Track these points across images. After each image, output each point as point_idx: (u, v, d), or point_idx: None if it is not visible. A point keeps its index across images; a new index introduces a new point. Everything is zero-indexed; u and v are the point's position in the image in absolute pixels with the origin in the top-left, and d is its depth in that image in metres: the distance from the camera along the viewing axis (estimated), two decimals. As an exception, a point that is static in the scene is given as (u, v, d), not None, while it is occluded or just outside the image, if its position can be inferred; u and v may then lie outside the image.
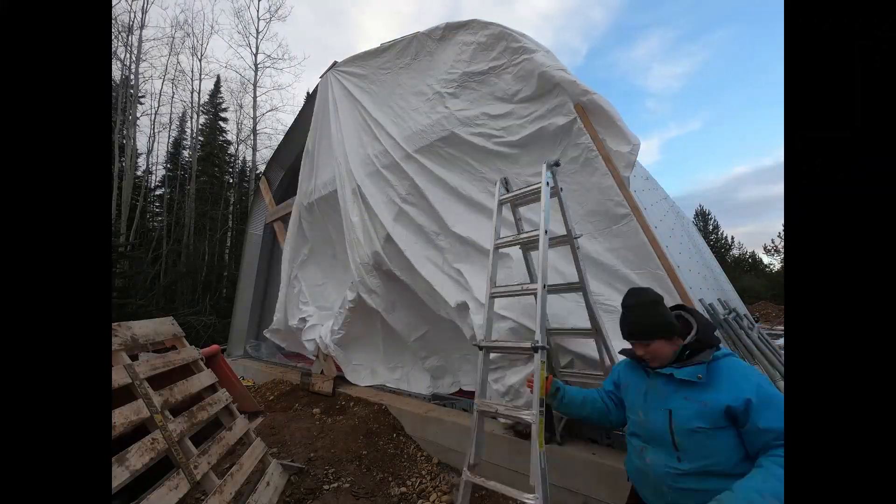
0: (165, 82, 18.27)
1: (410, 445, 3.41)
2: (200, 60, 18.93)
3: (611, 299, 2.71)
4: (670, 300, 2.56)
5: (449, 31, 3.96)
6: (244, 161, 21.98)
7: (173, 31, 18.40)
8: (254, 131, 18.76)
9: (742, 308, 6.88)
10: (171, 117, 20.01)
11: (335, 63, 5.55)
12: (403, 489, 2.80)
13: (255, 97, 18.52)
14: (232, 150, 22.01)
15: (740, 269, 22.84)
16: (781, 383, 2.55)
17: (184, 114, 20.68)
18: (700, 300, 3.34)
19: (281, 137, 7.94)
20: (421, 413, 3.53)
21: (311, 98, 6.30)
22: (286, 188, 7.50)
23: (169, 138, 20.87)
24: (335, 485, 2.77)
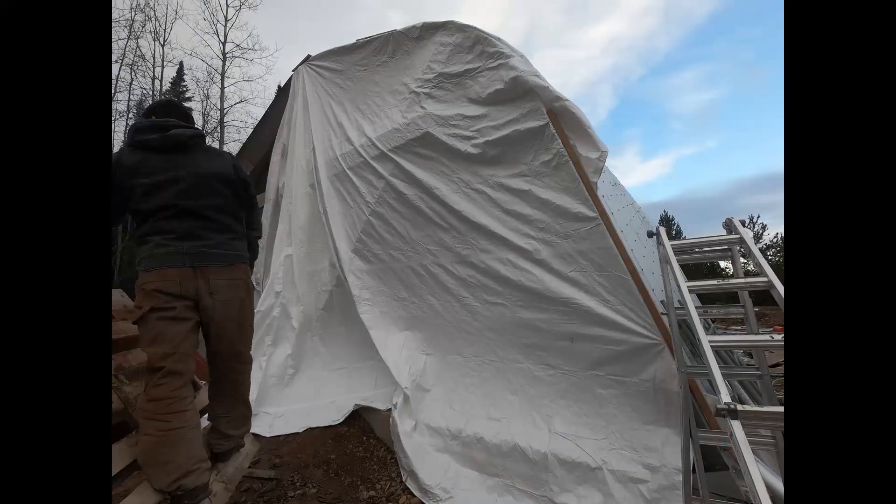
0: (123, 67, 17.12)
1: (381, 448, 3.37)
2: (163, 46, 17.89)
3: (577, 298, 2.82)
4: (633, 301, 2.68)
5: (426, 30, 3.95)
6: (210, 154, 20.92)
7: (133, 14, 17.19)
8: (221, 123, 17.94)
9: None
10: (128, 104, 18.77)
11: (308, 56, 5.40)
12: (372, 493, 2.76)
13: (222, 88, 17.74)
14: (197, 141, 20.89)
15: (699, 273, 24.22)
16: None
17: (142, 101, 19.46)
18: (662, 301, 3.51)
19: (251, 130, 7.63)
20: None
21: (282, 91, 6.11)
22: (255, 183, 7.19)
23: (126, 127, 19.56)
24: (300, 491, 2.69)
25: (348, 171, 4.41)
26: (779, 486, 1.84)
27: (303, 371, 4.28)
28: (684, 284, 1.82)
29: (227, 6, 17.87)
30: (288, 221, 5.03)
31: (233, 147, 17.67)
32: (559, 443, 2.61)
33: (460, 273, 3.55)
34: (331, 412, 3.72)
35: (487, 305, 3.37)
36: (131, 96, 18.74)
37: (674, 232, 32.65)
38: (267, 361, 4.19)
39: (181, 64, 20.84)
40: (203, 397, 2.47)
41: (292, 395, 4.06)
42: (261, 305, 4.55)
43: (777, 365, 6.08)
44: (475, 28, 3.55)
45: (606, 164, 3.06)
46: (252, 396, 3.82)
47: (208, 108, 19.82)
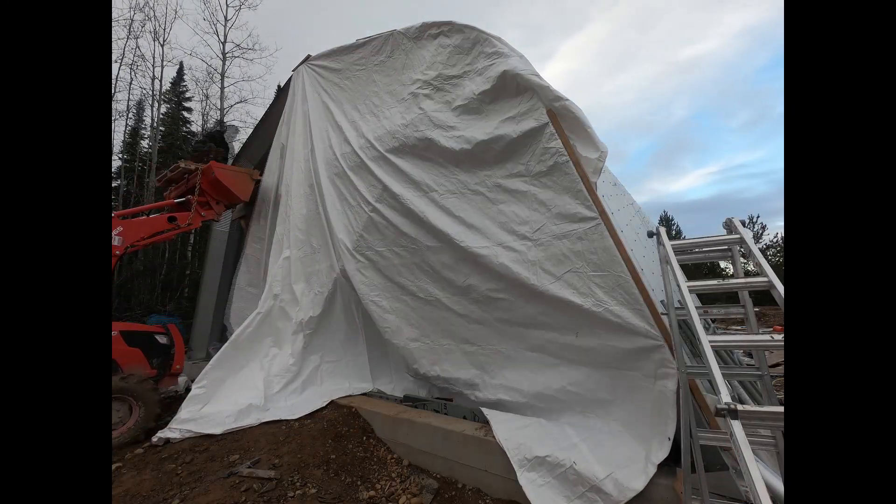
0: (122, 67, 17.09)
1: (381, 448, 3.36)
2: (163, 46, 17.83)
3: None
4: (633, 301, 2.68)
5: (425, 31, 3.95)
6: (210, 154, 20.88)
7: (132, 14, 17.16)
8: (221, 123, 17.90)
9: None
10: (128, 104, 18.73)
11: (308, 56, 5.40)
12: (372, 493, 2.76)
13: (222, 87, 17.67)
14: (197, 141, 20.88)
15: (699, 273, 24.21)
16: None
17: (142, 101, 19.44)
18: (662, 301, 3.51)
19: (250, 131, 7.62)
20: (392, 415, 3.49)
21: (282, 91, 6.10)
22: (255, 183, 7.19)
23: (126, 127, 19.53)
24: (300, 491, 2.68)
25: (348, 172, 4.41)
26: (779, 486, 1.84)
27: (304, 368, 4.33)
28: (684, 284, 1.82)
29: (227, 6, 17.83)
30: (286, 222, 5.03)
31: (233, 147, 17.63)
32: None
33: (459, 273, 3.56)
34: (337, 394, 4.06)
35: (489, 300, 3.44)
36: (131, 96, 18.69)
37: (673, 232, 32.54)
38: (270, 362, 4.21)
39: (181, 64, 20.79)
40: None
41: (296, 389, 4.17)
42: (260, 307, 4.54)
43: (777, 365, 6.08)
44: (475, 28, 3.54)
45: (606, 163, 3.06)
46: (259, 397, 3.90)
47: (208, 107, 19.77)
